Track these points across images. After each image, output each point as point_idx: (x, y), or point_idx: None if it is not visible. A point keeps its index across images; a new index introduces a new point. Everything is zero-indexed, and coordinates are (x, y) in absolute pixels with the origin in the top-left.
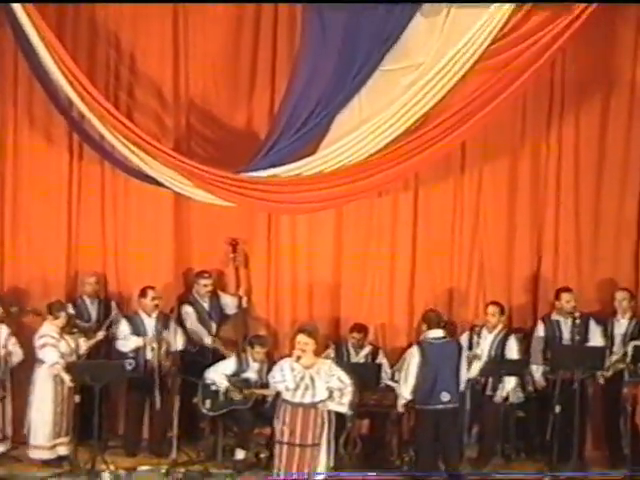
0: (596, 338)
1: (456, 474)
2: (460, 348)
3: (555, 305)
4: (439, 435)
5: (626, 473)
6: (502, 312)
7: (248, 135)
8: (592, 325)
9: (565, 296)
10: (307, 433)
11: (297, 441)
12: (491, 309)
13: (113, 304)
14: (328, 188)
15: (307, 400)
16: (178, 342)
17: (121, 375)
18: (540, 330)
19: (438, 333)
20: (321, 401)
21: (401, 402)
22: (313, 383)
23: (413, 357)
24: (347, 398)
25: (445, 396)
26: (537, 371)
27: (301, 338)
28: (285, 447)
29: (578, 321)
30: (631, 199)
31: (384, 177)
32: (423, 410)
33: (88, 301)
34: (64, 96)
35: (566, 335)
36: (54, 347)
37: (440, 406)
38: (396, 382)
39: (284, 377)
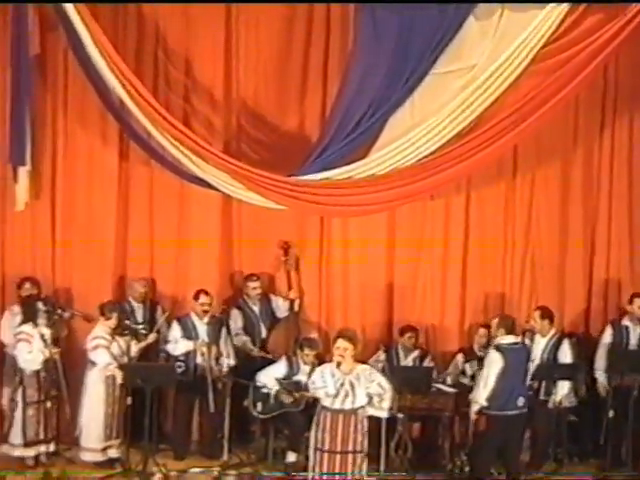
0: None
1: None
2: (530, 353)
3: (627, 309)
4: (506, 440)
5: None
6: (544, 317)
7: (299, 138)
8: None
9: (638, 301)
10: (348, 440)
11: (338, 448)
12: (534, 314)
13: (159, 308)
14: (380, 191)
15: (347, 406)
16: (231, 355)
17: (172, 378)
18: (607, 335)
19: (513, 339)
20: (361, 407)
21: (475, 408)
22: (353, 389)
23: (495, 363)
24: (386, 403)
25: (521, 401)
26: (601, 375)
27: (341, 343)
28: (325, 455)
29: None
30: None
31: (436, 180)
32: (498, 416)
33: (135, 304)
34: (116, 98)
35: (633, 341)
36: (106, 349)
37: (515, 411)
38: (449, 386)
39: (325, 383)
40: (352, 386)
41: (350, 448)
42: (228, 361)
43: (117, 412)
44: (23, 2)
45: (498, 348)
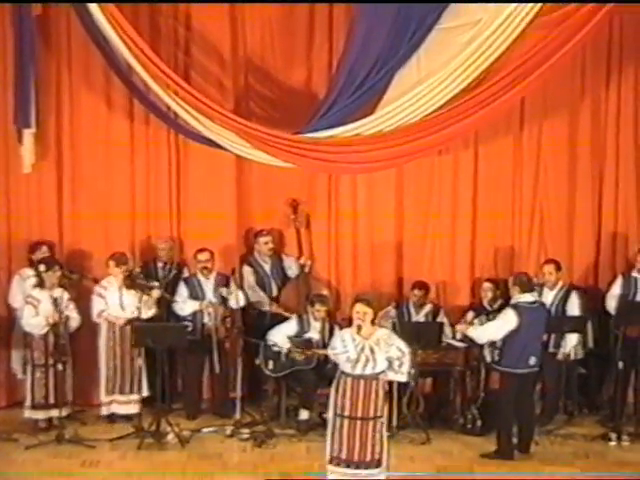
0: None
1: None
2: (549, 313)
3: (635, 261)
4: (518, 397)
5: None
6: (558, 269)
7: (306, 95)
8: None
9: None
10: (369, 405)
11: (359, 414)
12: (547, 268)
13: (186, 269)
14: (388, 147)
15: (368, 372)
16: (240, 301)
17: (182, 338)
18: (617, 286)
19: (531, 297)
20: (382, 372)
21: (463, 330)
22: (373, 354)
23: (508, 321)
24: (406, 367)
25: (532, 360)
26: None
27: (360, 308)
28: (346, 421)
29: None
30: None
31: (444, 135)
32: (510, 373)
33: (160, 265)
34: (123, 61)
35: None
36: (100, 297)
37: (527, 370)
38: (459, 341)
39: (346, 347)
40: (372, 351)
41: (371, 414)
42: (238, 300)
43: (120, 367)
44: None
45: (515, 307)
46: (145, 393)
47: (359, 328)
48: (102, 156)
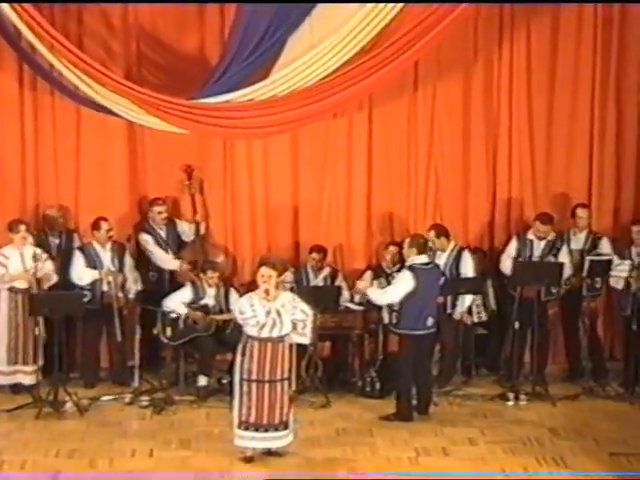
0: (562, 256)
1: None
2: (442, 273)
3: (534, 226)
4: (417, 359)
5: (584, 386)
6: (438, 235)
7: (199, 61)
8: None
9: (539, 225)
10: (276, 368)
11: (266, 377)
12: (432, 234)
13: (76, 236)
14: (282, 112)
15: (275, 335)
16: (138, 281)
17: (79, 306)
18: (512, 248)
19: (425, 258)
20: (287, 334)
21: (364, 291)
22: (280, 317)
23: (405, 282)
24: (309, 329)
25: (430, 321)
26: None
27: (265, 271)
28: (254, 384)
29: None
30: (583, 111)
31: (338, 99)
32: (408, 335)
33: (52, 234)
34: (11, 25)
35: (537, 254)
36: (1, 265)
37: (424, 331)
38: (357, 304)
39: (255, 312)
40: (279, 314)
41: (278, 376)
42: (135, 287)
43: (23, 337)
44: None
45: (411, 268)
46: (41, 362)
47: (267, 291)
48: None
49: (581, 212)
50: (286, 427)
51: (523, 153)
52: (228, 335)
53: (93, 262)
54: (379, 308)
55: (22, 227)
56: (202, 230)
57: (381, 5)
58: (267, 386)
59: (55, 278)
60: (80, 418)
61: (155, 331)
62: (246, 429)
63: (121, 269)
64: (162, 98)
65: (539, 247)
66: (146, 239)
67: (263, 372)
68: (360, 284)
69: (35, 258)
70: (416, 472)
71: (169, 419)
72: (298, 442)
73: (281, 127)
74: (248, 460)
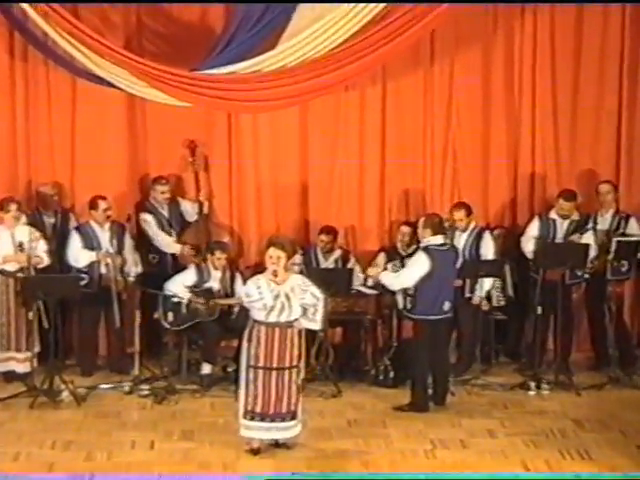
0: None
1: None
2: (459, 255)
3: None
4: (433, 346)
5: (611, 375)
6: (469, 213)
7: (203, 30)
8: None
9: (562, 202)
10: (285, 355)
11: (274, 364)
12: (457, 214)
13: (72, 215)
14: (291, 84)
15: (283, 319)
16: (138, 262)
17: (75, 289)
18: (534, 228)
19: (441, 239)
20: (296, 319)
21: (376, 277)
22: (289, 301)
23: (420, 264)
24: (319, 314)
25: (447, 306)
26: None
27: (273, 252)
28: (260, 372)
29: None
30: (611, 83)
31: (350, 70)
32: (423, 320)
33: (46, 213)
34: None
35: (560, 235)
36: None
37: (441, 316)
38: (370, 288)
39: (262, 295)
40: (288, 298)
41: (287, 364)
42: (135, 269)
43: (14, 323)
44: None
45: (426, 250)
46: (37, 349)
47: (275, 273)
48: None
49: (603, 188)
50: (294, 417)
51: (546, 128)
52: (234, 320)
53: (90, 243)
54: (393, 292)
55: (13, 206)
56: (205, 209)
57: None
58: (275, 374)
59: (47, 260)
60: (77, 408)
61: (156, 316)
62: (252, 419)
63: (120, 250)
64: (163, 69)
65: (562, 227)
66: (147, 219)
67: (271, 359)
68: (371, 271)
69: (31, 238)
70: (432, 466)
71: (171, 409)
72: (307, 433)
73: (289, 100)
74: (255, 452)
